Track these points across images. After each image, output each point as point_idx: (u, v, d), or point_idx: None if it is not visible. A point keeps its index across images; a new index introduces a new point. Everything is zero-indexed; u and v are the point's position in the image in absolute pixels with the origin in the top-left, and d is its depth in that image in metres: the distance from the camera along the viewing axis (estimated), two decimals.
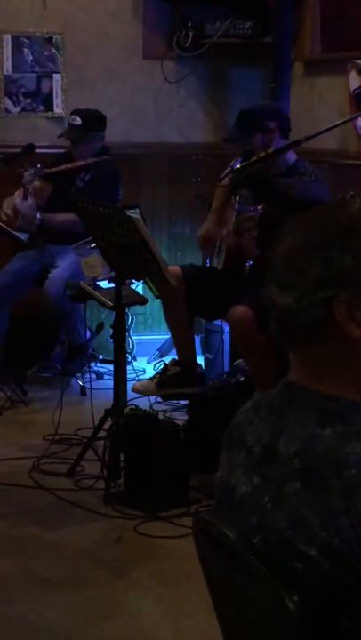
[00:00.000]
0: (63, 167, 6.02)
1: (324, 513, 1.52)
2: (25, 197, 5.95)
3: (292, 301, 1.61)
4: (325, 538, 1.51)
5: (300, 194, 4.55)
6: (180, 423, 4.74)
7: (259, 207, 4.70)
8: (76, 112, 6.09)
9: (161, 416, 4.97)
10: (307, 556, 1.53)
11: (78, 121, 6.01)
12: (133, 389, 5.07)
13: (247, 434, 1.72)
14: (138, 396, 5.18)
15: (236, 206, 4.90)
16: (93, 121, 6.06)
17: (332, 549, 1.51)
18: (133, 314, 6.52)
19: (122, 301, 4.64)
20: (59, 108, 6.56)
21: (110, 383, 4.91)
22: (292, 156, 4.86)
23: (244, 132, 4.90)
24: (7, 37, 6.45)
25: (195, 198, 6.39)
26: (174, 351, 5.37)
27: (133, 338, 6.61)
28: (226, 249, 4.97)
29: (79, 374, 5.99)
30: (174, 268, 4.97)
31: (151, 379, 5.16)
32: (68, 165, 6.03)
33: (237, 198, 4.91)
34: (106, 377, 6.11)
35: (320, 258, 1.60)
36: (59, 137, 6.13)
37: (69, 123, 6.08)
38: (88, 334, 6.03)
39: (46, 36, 6.51)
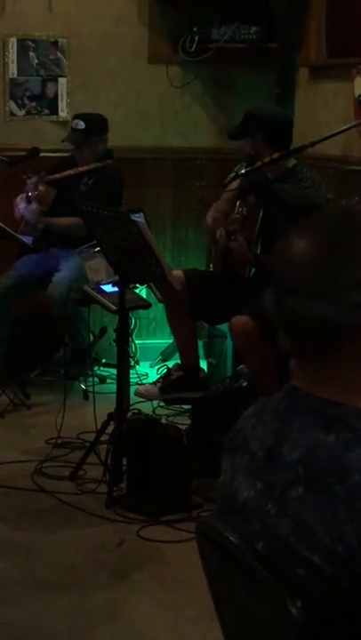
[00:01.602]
0: (66, 173, 6.02)
1: (328, 519, 1.52)
2: (28, 202, 5.95)
3: (328, 307, 1.58)
4: (329, 544, 1.51)
5: (296, 199, 4.55)
6: (183, 427, 4.74)
7: (242, 208, 4.72)
8: (78, 116, 6.10)
9: (164, 420, 4.97)
10: (310, 562, 1.53)
11: (82, 125, 6.01)
12: (136, 393, 5.08)
13: (250, 439, 1.72)
14: (141, 400, 5.17)
15: (236, 209, 4.90)
16: (97, 124, 6.06)
17: (336, 555, 1.51)
18: (137, 318, 6.52)
19: (125, 305, 4.64)
20: (64, 112, 6.56)
21: (113, 387, 4.91)
22: (290, 161, 4.86)
23: (239, 131, 4.95)
24: (13, 41, 6.45)
25: (199, 202, 6.39)
26: (177, 355, 5.37)
27: (136, 342, 6.60)
28: (220, 253, 4.98)
29: (82, 378, 5.99)
30: (177, 273, 4.98)
31: (154, 383, 5.15)
32: (71, 171, 6.03)
33: (238, 203, 4.92)
34: (109, 381, 6.11)
35: (350, 259, 1.59)
36: (62, 141, 6.13)
37: (72, 127, 6.08)
38: (91, 338, 6.04)
39: (52, 40, 6.52)
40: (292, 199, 4.56)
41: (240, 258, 4.74)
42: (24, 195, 5.97)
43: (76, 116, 6.12)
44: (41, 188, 5.95)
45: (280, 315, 1.64)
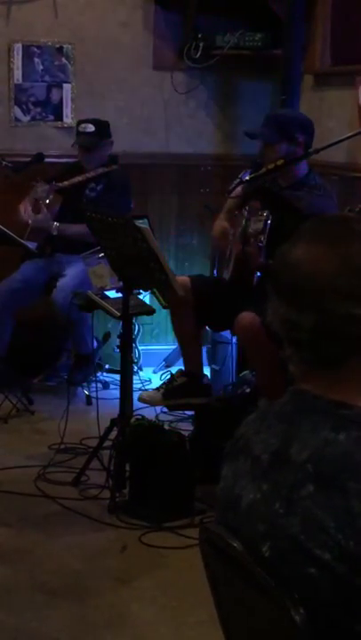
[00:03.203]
0: (75, 180, 6.01)
1: (340, 515, 1.52)
2: (37, 211, 5.96)
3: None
4: (340, 540, 1.52)
5: (308, 207, 4.54)
6: (186, 434, 4.74)
7: (265, 213, 4.68)
8: (85, 121, 6.11)
9: (167, 426, 4.97)
10: (321, 560, 1.53)
11: (91, 128, 6.02)
12: (140, 399, 5.07)
13: (253, 443, 1.72)
14: (144, 405, 5.17)
15: (246, 214, 4.88)
16: (105, 127, 6.08)
17: (348, 552, 1.51)
18: (140, 324, 6.53)
19: (129, 311, 4.65)
20: (68, 118, 6.57)
21: (116, 393, 4.91)
22: (304, 169, 4.85)
23: (272, 135, 4.85)
24: (18, 46, 6.47)
25: (203, 209, 6.40)
26: (180, 361, 5.37)
27: (140, 348, 6.61)
28: (234, 259, 4.96)
29: (85, 384, 6.00)
30: (183, 278, 4.97)
31: (157, 389, 5.15)
32: (80, 178, 6.03)
33: (247, 208, 4.90)
34: (112, 387, 6.11)
35: None
36: (72, 145, 6.12)
37: (80, 131, 6.06)
38: (95, 344, 6.04)
39: (57, 46, 6.53)
40: (303, 207, 4.55)
41: (253, 263, 4.72)
42: (30, 201, 5.98)
43: (83, 121, 6.13)
44: (51, 195, 5.96)
45: (305, 319, 1.63)
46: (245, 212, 4.86)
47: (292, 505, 1.58)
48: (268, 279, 1.72)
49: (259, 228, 4.67)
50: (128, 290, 4.63)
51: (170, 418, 5.58)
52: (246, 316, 4.58)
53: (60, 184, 6.00)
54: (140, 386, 6.04)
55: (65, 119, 6.58)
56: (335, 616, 1.54)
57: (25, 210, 5.99)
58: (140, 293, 5.31)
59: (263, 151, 4.93)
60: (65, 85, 6.58)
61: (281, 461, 1.64)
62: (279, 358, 1.72)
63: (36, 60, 6.52)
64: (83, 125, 6.07)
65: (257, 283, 4.73)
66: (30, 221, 5.95)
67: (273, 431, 1.69)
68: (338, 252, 1.63)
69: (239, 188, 4.96)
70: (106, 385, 6.21)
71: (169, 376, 5.23)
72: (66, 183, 6.00)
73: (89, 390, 5.92)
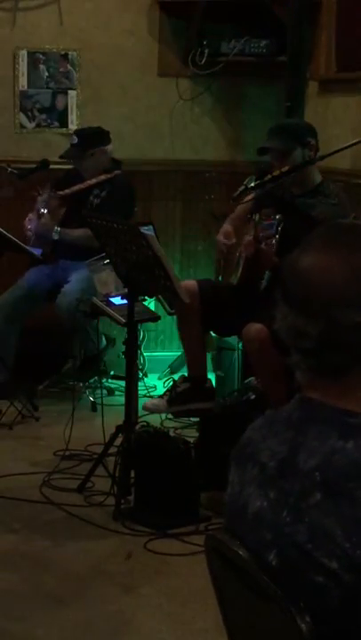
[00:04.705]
0: (76, 188, 6.02)
1: (348, 524, 1.52)
2: (38, 217, 5.97)
3: None
4: (348, 549, 1.51)
5: (322, 216, 4.55)
6: (191, 440, 4.73)
7: (277, 216, 4.68)
8: (75, 132, 6.16)
9: (172, 433, 4.97)
10: (328, 568, 1.53)
11: (75, 139, 6.05)
12: (144, 408, 5.06)
13: (260, 450, 1.72)
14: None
15: (257, 218, 4.87)
16: (90, 137, 6.05)
17: (355, 561, 1.51)
18: (145, 330, 6.52)
19: (134, 318, 4.65)
20: (73, 125, 6.57)
21: (121, 399, 4.91)
22: (317, 177, 4.86)
23: (285, 142, 4.84)
24: (23, 53, 6.48)
25: (208, 215, 6.40)
26: (185, 368, 5.37)
27: (145, 354, 6.61)
28: (244, 260, 4.95)
29: (90, 389, 5.99)
30: (190, 282, 4.97)
31: (161, 396, 5.15)
32: (82, 185, 6.03)
33: (257, 215, 4.89)
34: (117, 393, 6.11)
35: None
36: (60, 157, 6.12)
37: (71, 143, 6.10)
38: (104, 341, 6.06)
39: (62, 53, 6.54)
40: (316, 215, 4.55)
41: (267, 261, 4.71)
42: (34, 214, 5.99)
43: (73, 132, 6.18)
44: (52, 202, 5.97)
45: (313, 327, 1.63)
46: (256, 217, 4.85)
47: (300, 513, 1.58)
48: (277, 285, 1.71)
49: (270, 232, 4.66)
50: (133, 297, 4.63)
51: (175, 424, 5.57)
52: (254, 327, 4.57)
53: (61, 192, 6.00)
54: (144, 392, 6.03)
55: (70, 126, 6.59)
56: (342, 625, 1.54)
57: (28, 222, 5.99)
58: (145, 300, 5.30)
59: (277, 164, 4.88)
60: (70, 92, 6.59)
61: (288, 469, 1.63)
62: (285, 370, 1.73)
63: (42, 66, 6.53)
64: (71, 137, 6.12)
65: (264, 288, 4.73)
66: (33, 229, 5.95)
67: (280, 438, 1.69)
68: (348, 261, 1.62)
69: (250, 194, 4.95)
70: (111, 391, 6.21)
71: (172, 383, 5.22)
72: (67, 191, 6.01)
73: (94, 396, 5.92)
